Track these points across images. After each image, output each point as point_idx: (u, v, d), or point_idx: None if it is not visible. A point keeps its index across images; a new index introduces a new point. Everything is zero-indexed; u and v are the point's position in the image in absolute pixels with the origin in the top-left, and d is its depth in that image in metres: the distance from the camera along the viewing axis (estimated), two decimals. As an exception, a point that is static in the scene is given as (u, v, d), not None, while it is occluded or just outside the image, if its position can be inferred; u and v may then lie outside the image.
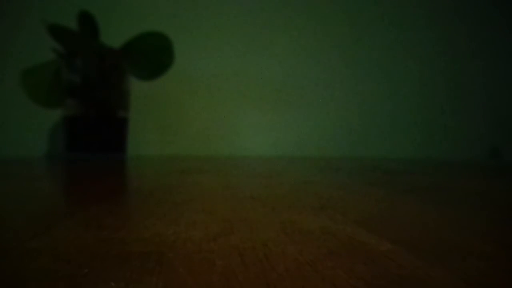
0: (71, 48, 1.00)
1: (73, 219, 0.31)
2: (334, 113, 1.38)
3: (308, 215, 0.34)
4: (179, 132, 1.30)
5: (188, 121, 1.30)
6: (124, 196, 0.45)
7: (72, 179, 0.63)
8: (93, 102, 1.02)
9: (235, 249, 0.24)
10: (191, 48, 1.28)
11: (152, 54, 1.05)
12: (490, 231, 0.30)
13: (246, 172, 0.74)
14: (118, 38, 1.05)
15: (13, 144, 1.19)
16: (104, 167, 0.81)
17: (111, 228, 0.28)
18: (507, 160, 1.40)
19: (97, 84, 1.03)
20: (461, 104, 1.46)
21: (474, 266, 0.21)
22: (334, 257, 0.23)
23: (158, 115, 1.28)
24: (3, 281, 0.18)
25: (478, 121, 1.47)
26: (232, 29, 1.32)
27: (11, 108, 1.18)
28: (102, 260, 0.21)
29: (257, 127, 1.34)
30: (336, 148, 1.38)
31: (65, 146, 1.05)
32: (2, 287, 0.18)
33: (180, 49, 1.12)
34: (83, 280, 0.18)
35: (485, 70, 1.47)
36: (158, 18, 1.25)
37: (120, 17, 1.24)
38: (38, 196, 0.44)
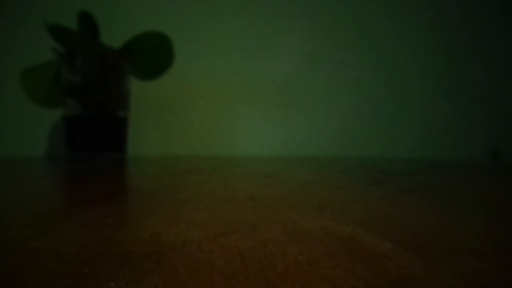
0: (71, 48, 1.00)
1: (73, 219, 0.31)
2: (334, 113, 1.38)
3: (308, 215, 0.34)
4: (179, 132, 1.30)
5: (188, 121, 1.30)
6: (124, 196, 0.45)
7: (72, 179, 0.63)
8: (93, 102, 1.02)
9: (235, 249, 0.24)
10: (191, 48, 1.28)
11: (152, 54, 1.05)
12: (490, 231, 0.30)
13: (246, 172, 0.74)
14: (118, 38, 1.05)
15: (13, 144, 1.18)
16: (104, 167, 0.81)
17: (111, 228, 0.28)
18: (507, 160, 1.40)
19: (97, 84, 1.02)
20: (461, 104, 1.46)
21: (474, 266, 0.21)
22: (334, 257, 0.23)
23: (158, 115, 1.28)
24: (3, 281, 0.18)
25: (478, 121, 1.47)
26: (233, 29, 1.32)
27: (11, 108, 1.18)
28: (102, 260, 0.21)
29: (257, 127, 1.34)
30: (336, 148, 1.38)
31: (65, 146, 1.05)
32: (2, 287, 0.18)
33: (180, 49, 1.11)
34: (83, 280, 0.18)
35: (485, 69, 1.47)
36: (158, 18, 1.25)
37: (120, 17, 1.24)
38: (38, 196, 0.44)
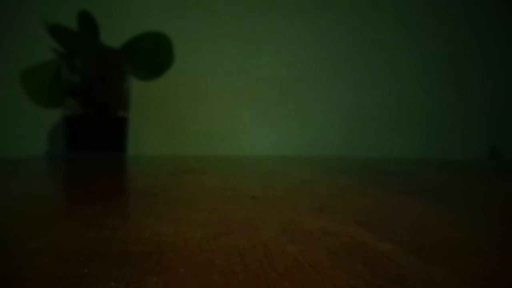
0: (71, 48, 1.00)
1: (73, 219, 0.31)
2: (334, 113, 1.38)
3: (308, 215, 0.34)
4: (179, 132, 1.30)
5: (188, 121, 1.30)
6: (124, 196, 0.45)
7: (72, 179, 0.63)
8: (93, 102, 1.02)
9: (235, 249, 0.24)
10: (191, 48, 1.28)
11: (152, 54, 1.05)
12: (490, 231, 0.30)
13: (246, 172, 0.74)
14: (118, 38, 1.05)
15: (13, 144, 1.18)
16: (104, 167, 0.81)
17: (111, 227, 0.28)
18: (507, 160, 1.40)
19: (97, 84, 1.02)
20: (461, 103, 1.46)
21: (474, 266, 0.21)
22: (334, 257, 0.23)
23: (158, 115, 1.28)
24: (3, 281, 0.18)
25: (478, 121, 1.47)
26: (233, 29, 1.32)
27: (11, 108, 1.18)
28: (102, 260, 0.21)
29: (257, 127, 1.34)
30: (336, 148, 1.38)
31: (65, 146, 1.05)
32: (2, 287, 0.18)
33: (180, 49, 1.11)
34: (83, 280, 0.18)
35: (485, 70, 1.47)
36: (158, 18, 1.25)
37: (120, 17, 1.24)
38: (38, 196, 0.44)
